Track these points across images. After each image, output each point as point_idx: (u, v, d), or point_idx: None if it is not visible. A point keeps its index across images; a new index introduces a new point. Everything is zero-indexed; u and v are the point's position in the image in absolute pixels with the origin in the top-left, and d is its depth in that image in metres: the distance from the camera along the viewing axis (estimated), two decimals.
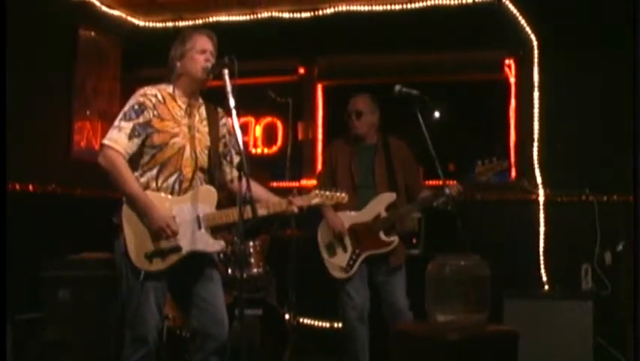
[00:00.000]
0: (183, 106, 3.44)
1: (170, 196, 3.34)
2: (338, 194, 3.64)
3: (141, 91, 3.39)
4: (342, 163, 4.55)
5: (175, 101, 3.42)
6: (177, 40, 3.48)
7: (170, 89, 3.44)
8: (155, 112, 3.34)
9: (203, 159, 3.45)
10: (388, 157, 4.51)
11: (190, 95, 3.47)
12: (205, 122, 3.49)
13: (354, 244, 4.44)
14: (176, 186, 3.36)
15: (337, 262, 4.46)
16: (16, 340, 4.51)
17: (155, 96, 3.37)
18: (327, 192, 3.63)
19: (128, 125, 3.30)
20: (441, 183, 4.19)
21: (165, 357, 4.35)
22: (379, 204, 4.44)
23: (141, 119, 3.31)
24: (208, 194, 3.42)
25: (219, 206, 3.43)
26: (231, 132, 3.55)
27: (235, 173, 3.53)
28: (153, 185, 3.33)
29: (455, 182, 4.25)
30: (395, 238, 4.42)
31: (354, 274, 4.42)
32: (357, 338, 4.45)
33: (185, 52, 3.42)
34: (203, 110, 3.52)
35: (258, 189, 3.39)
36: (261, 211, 3.28)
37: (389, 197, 4.44)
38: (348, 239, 4.44)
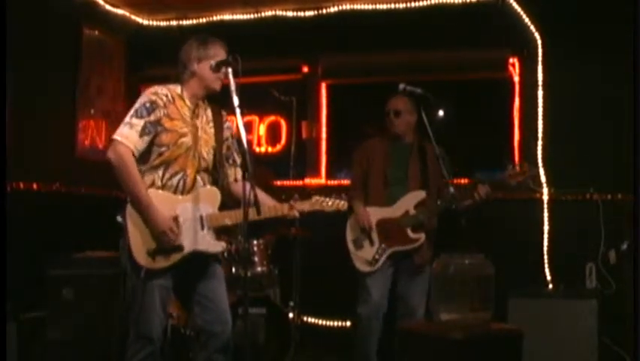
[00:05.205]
0: (191, 107, 3.45)
1: (174, 195, 3.35)
2: (338, 201, 3.58)
3: (152, 89, 3.40)
4: (377, 160, 4.55)
5: (183, 101, 3.43)
6: (197, 41, 3.44)
7: (178, 89, 3.45)
8: (166, 111, 3.35)
9: (209, 160, 3.46)
10: (423, 158, 4.51)
11: (198, 97, 3.48)
12: (211, 124, 3.50)
13: (381, 238, 4.44)
14: (180, 186, 3.37)
15: (363, 255, 4.46)
16: (20, 338, 4.51)
17: (166, 96, 3.38)
18: (328, 199, 3.59)
19: (139, 123, 3.29)
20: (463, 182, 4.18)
21: (169, 355, 4.35)
22: (409, 201, 4.45)
23: (152, 117, 3.31)
24: (211, 195, 3.42)
25: (226, 207, 3.43)
26: (234, 135, 3.56)
27: (238, 174, 3.51)
28: (158, 183, 3.34)
29: (485, 185, 4.28)
30: (422, 235, 4.42)
31: (378, 269, 4.43)
32: (369, 335, 4.45)
33: (207, 57, 3.39)
34: (209, 111, 3.53)
35: (259, 194, 3.28)
36: (263, 215, 3.28)
37: (419, 195, 4.45)
38: (376, 234, 4.44)
